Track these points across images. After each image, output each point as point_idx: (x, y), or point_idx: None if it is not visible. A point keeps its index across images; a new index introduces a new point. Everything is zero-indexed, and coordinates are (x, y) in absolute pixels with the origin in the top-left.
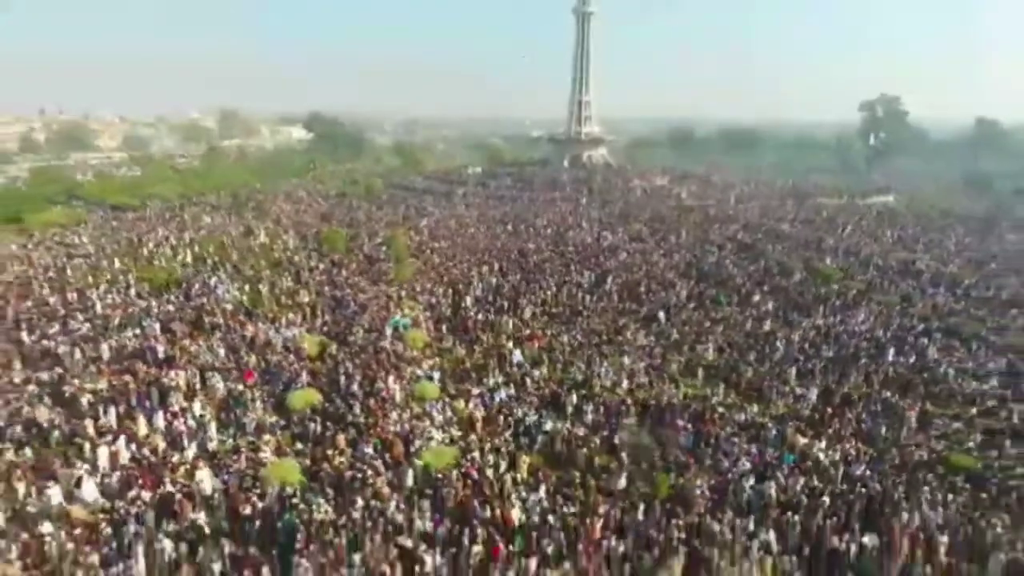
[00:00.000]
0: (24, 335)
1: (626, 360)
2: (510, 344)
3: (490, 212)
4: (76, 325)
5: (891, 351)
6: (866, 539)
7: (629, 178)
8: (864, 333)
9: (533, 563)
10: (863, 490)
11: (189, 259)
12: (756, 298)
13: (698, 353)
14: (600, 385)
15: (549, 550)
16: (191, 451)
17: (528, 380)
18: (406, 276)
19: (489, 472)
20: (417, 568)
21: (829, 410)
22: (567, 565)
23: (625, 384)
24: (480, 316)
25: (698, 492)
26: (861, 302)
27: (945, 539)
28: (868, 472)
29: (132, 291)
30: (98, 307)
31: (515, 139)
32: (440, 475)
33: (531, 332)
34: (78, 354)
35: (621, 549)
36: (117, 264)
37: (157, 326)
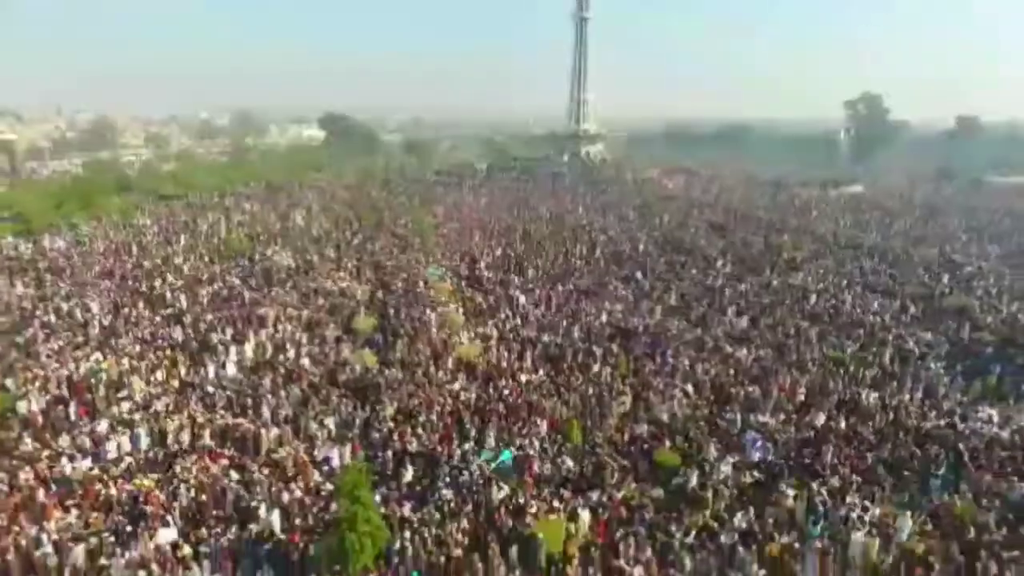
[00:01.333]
0: (141, 285)
1: (607, 304)
2: (516, 292)
3: (497, 200)
4: (172, 279)
5: (813, 297)
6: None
7: (623, 171)
8: (798, 286)
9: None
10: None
11: (242, 236)
12: (719, 263)
13: (664, 300)
14: (585, 316)
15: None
16: (303, 351)
17: (530, 315)
18: (430, 247)
19: (503, 362)
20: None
21: (755, 331)
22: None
23: (605, 317)
24: (491, 276)
25: (646, 369)
26: (802, 266)
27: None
28: (773, 364)
29: (205, 258)
30: (185, 269)
31: (518, 136)
32: (470, 360)
33: (533, 286)
34: (183, 297)
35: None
36: (183, 240)
37: (237, 280)
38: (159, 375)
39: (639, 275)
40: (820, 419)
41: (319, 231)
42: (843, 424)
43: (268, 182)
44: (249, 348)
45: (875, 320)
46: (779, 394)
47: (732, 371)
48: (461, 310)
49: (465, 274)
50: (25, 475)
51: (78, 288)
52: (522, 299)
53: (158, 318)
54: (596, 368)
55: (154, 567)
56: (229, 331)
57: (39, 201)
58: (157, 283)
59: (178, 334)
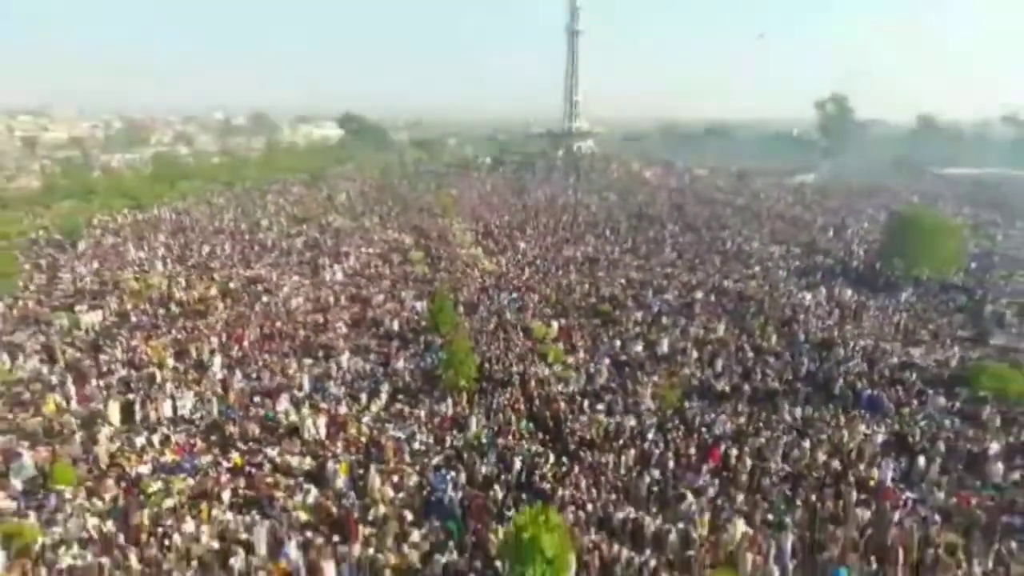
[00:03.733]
0: (246, 236)
1: (582, 248)
2: (519, 242)
3: (500, 187)
4: (266, 232)
5: (729, 243)
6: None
7: (609, 163)
8: (721, 238)
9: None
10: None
11: (309, 208)
12: (669, 226)
13: (622, 246)
14: (564, 254)
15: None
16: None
17: (528, 254)
18: (451, 215)
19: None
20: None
21: (680, 261)
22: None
23: (579, 255)
24: (499, 233)
25: (599, 275)
26: (729, 226)
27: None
28: (685, 274)
29: (284, 223)
30: (272, 228)
31: (518, 134)
32: (489, 270)
33: (529, 239)
34: (283, 242)
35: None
36: (258, 214)
37: (316, 234)
38: (298, 278)
39: (607, 232)
40: (699, 294)
41: (363, 207)
42: (712, 297)
43: (309, 172)
44: (344, 268)
45: (760, 252)
46: (681, 286)
47: (656, 279)
48: (480, 250)
49: (481, 231)
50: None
51: (208, 237)
52: (522, 245)
53: (275, 252)
54: (570, 276)
55: None
56: (327, 259)
57: (136, 184)
58: (260, 235)
59: (295, 259)
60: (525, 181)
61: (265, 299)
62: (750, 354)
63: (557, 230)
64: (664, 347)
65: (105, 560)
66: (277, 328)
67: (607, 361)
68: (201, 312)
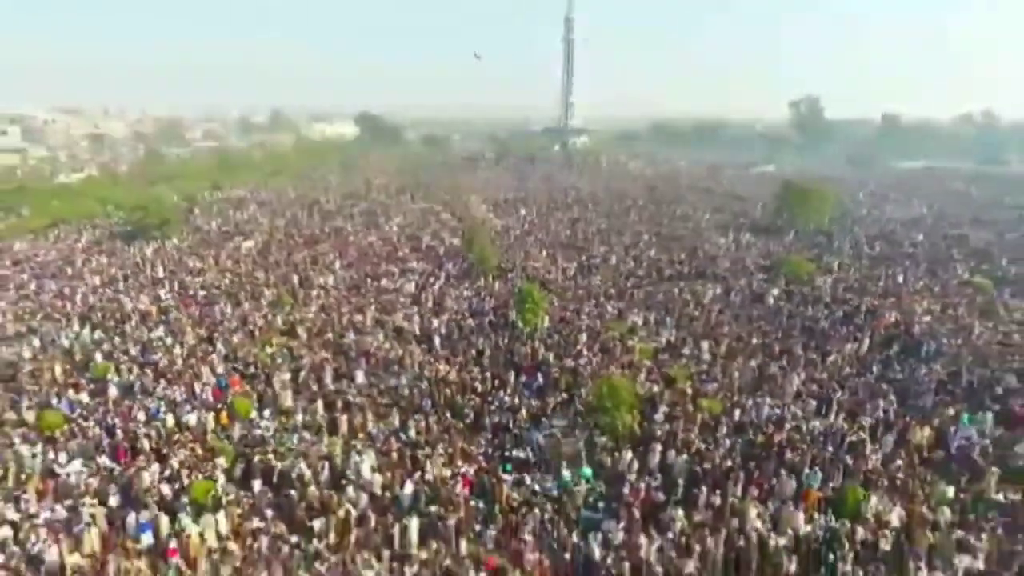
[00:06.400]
0: (314, 207)
1: (569, 214)
2: (522, 211)
3: (504, 176)
4: (326, 206)
5: (678, 210)
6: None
7: (599, 157)
8: (677, 208)
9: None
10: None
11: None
12: (639, 201)
13: (603, 211)
14: (555, 215)
15: None
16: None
17: (529, 217)
18: (468, 195)
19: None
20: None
21: (649, 231)
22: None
23: (566, 218)
24: (506, 207)
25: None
26: (686, 200)
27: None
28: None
29: (338, 199)
30: (330, 204)
31: (518, 132)
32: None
33: (529, 210)
34: (342, 211)
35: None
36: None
37: (364, 204)
38: (365, 229)
39: (589, 205)
40: (645, 237)
41: (395, 188)
42: (654, 239)
43: (338, 163)
44: (397, 223)
45: (698, 215)
46: (634, 233)
47: (618, 229)
48: (492, 215)
49: (491, 204)
50: None
51: (286, 207)
52: (523, 212)
53: (339, 217)
54: (558, 228)
55: None
56: (382, 219)
57: (211, 171)
58: (323, 207)
59: (358, 220)
60: (525, 172)
61: (351, 239)
62: (664, 260)
63: (550, 204)
64: (613, 260)
65: None
66: (372, 249)
67: (575, 264)
68: (314, 242)
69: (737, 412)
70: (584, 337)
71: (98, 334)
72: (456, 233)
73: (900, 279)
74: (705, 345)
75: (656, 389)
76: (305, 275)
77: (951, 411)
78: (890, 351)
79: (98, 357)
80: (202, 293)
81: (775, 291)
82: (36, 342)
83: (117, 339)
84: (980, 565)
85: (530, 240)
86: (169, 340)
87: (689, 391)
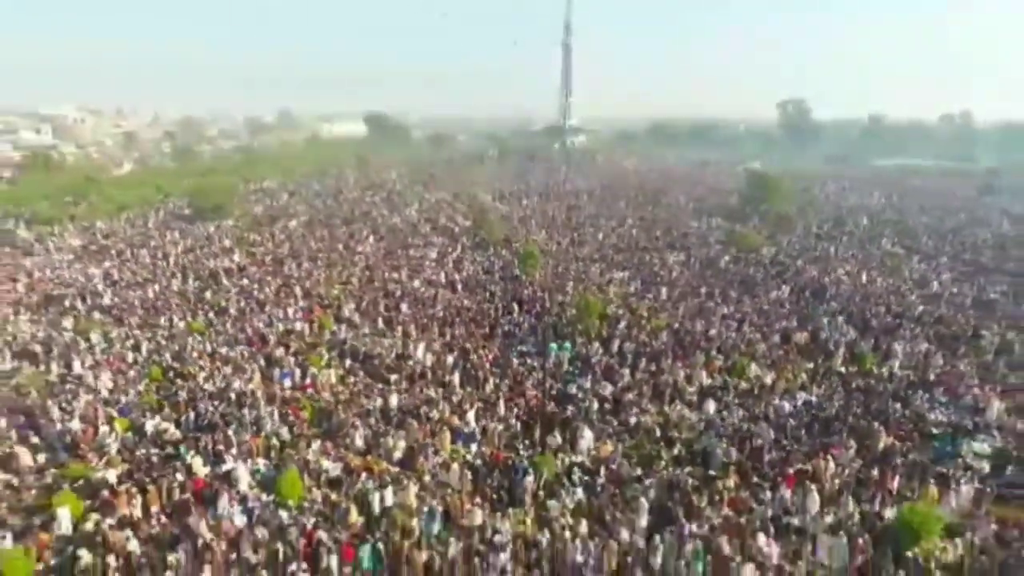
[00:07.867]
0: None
1: (567, 203)
2: (524, 200)
3: (507, 171)
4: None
5: (662, 199)
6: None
7: (595, 155)
8: (661, 198)
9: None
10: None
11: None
12: (629, 193)
13: (596, 199)
14: (552, 203)
15: None
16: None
17: (531, 205)
18: (474, 188)
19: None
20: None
21: (634, 216)
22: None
23: (563, 206)
24: (510, 197)
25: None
26: (673, 192)
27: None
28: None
29: (360, 189)
30: (354, 193)
31: (518, 132)
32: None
33: (531, 200)
34: (376, 196)
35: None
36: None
37: (385, 193)
38: (388, 212)
39: (585, 197)
40: (629, 221)
41: (408, 180)
42: (638, 222)
43: (355, 158)
44: (415, 208)
45: (677, 204)
46: (621, 218)
47: (607, 215)
48: (497, 204)
49: (496, 195)
50: None
51: (316, 197)
52: (524, 201)
53: (363, 204)
54: (555, 213)
55: None
56: (402, 204)
57: (239, 167)
58: (345, 195)
59: (381, 206)
60: (526, 169)
61: (379, 220)
62: (643, 237)
63: (549, 196)
64: (600, 236)
65: None
66: (398, 227)
67: (568, 239)
68: (348, 223)
69: (676, 325)
70: (571, 284)
71: (199, 283)
72: (467, 217)
73: (832, 250)
74: (664, 291)
75: (620, 312)
76: (347, 244)
77: (825, 320)
78: (803, 295)
79: (207, 295)
80: (268, 257)
81: (726, 257)
82: (155, 287)
83: (214, 287)
84: (813, 399)
85: (531, 223)
86: (256, 287)
87: (645, 314)
